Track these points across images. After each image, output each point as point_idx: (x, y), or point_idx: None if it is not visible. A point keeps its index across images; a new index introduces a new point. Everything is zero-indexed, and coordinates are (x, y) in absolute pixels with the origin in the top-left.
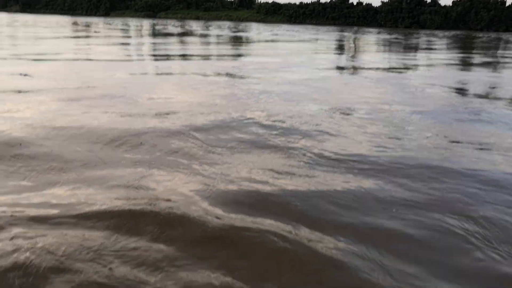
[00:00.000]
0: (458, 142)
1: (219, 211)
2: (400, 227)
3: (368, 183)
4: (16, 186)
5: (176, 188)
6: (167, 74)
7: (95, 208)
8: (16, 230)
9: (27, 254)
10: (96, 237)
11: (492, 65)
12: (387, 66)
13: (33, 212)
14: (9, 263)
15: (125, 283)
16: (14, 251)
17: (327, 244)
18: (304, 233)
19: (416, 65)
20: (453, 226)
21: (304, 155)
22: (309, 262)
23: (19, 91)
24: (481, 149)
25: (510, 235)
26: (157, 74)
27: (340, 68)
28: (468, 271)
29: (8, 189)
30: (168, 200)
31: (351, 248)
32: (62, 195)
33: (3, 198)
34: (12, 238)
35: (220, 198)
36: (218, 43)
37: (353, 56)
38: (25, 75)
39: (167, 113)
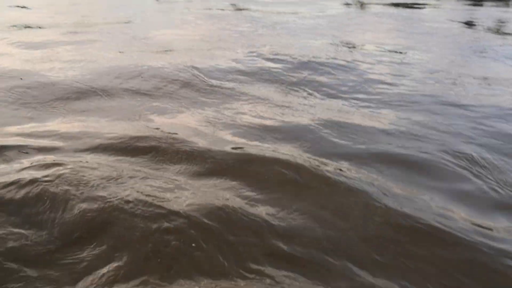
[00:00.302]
0: (462, 77)
1: (226, 144)
2: (405, 159)
3: (373, 117)
4: (19, 118)
5: (182, 122)
6: (168, 9)
7: (103, 141)
8: (26, 161)
9: (42, 185)
10: (110, 168)
11: (504, 1)
12: (395, 1)
13: (41, 143)
14: (23, 195)
15: (146, 209)
16: (29, 182)
17: (337, 173)
18: (314, 163)
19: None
20: (454, 159)
21: (310, 90)
22: (320, 190)
23: (16, 25)
24: (485, 84)
25: (507, 169)
26: (159, 9)
27: (347, 3)
28: (466, 198)
29: (10, 121)
30: (175, 133)
31: (360, 177)
32: (67, 128)
33: (8, 129)
34: (23, 169)
35: (227, 132)
36: None
37: None
38: (23, 7)
39: (170, 49)
